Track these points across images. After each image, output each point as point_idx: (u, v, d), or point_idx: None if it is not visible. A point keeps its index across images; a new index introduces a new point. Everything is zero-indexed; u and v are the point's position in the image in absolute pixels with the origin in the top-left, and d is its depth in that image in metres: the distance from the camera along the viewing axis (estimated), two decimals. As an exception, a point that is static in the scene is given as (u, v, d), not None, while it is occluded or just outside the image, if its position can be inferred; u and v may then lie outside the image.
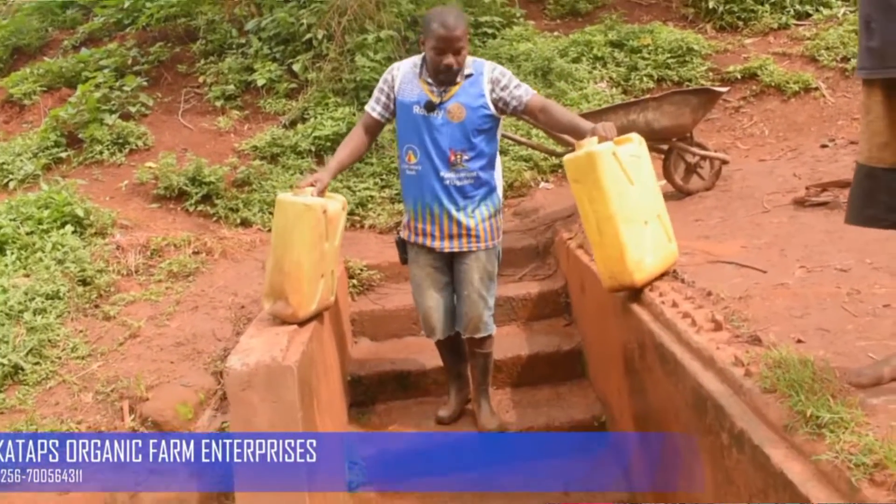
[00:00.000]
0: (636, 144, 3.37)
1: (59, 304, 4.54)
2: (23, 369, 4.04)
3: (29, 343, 4.17)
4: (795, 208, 4.48)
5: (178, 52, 8.17)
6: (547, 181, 6.31)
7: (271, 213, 5.91)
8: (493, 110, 3.55)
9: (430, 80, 3.56)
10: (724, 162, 5.28)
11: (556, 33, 8.13)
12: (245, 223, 5.91)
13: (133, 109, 7.12)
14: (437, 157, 3.55)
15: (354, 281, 5.04)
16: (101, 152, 6.61)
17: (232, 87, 7.43)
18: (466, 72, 3.53)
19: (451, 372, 4.13)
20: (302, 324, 3.53)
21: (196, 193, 6.00)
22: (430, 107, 3.52)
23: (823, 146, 5.95)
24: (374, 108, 3.70)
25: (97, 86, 7.12)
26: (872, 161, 2.20)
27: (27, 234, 5.15)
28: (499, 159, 3.79)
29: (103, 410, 3.80)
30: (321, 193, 3.49)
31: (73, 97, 7.04)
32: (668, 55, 7.33)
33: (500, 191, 3.80)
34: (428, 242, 3.71)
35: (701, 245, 3.98)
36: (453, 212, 3.61)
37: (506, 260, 5.22)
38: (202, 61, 7.92)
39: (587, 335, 4.42)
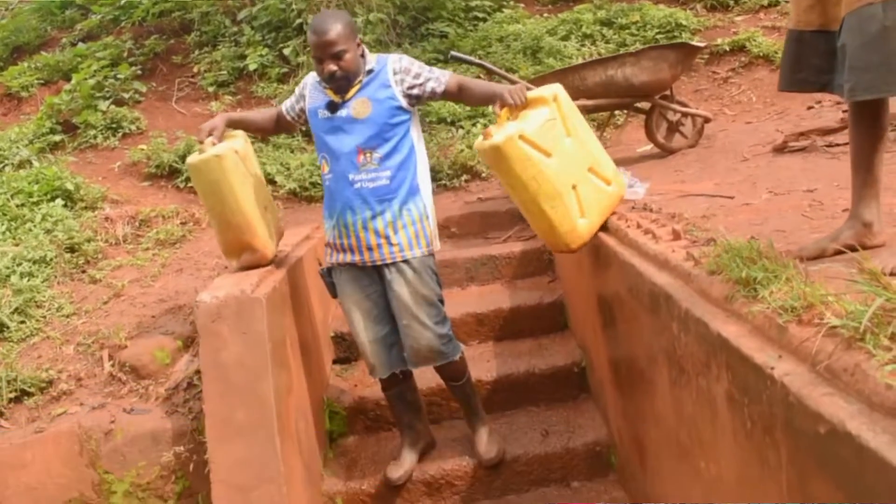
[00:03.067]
0: (550, 107, 3.16)
1: (45, 269, 4.60)
2: (7, 327, 4.09)
3: (14, 303, 4.21)
4: (774, 155, 4.49)
5: (173, 44, 8.29)
6: (534, 151, 6.31)
7: (260, 188, 5.99)
8: (402, 102, 3.26)
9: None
10: (707, 119, 5.29)
11: (545, 15, 8.17)
12: (234, 197, 5.94)
13: (126, 96, 7.22)
14: (345, 158, 3.24)
15: (339, 245, 5.06)
16: (94, 136, 6.71)
17: (225, 73, 7.53)
18: (368, 67, 3.26)
19: (401, 422, 3.70)
20: (275, 266, 3.58)
21: (186, 170, 6.04)
22: (333, 107, 3.26)
23: (810, 108, 5.94)
24: (285, 103, 3.56)
25: (92, 74, 7.21)
26: (801, 25, 2.22)
27: (18, 206, 5.22)
28: (425, 158, 3.44)
29: (84, 360, 3.83)
30: (221, 138, 3.39)
31: (68, 86, 7.15)
32: (657, 31, 7.36)
33: (426, 194, 3.40)
34: (347, 258, 3.34)
35: (675, 187, 3.98)
36: (368, 219, 3.25)
37: (492, 223, 5.31)
38: (196, 52, 8.04)
39: (568, 284, 4.42)
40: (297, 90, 3.50)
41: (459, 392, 3.66)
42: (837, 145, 4.32)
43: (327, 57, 3.15)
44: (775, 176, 3.79)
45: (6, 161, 6.37)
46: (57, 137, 6.73)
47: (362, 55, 3.28)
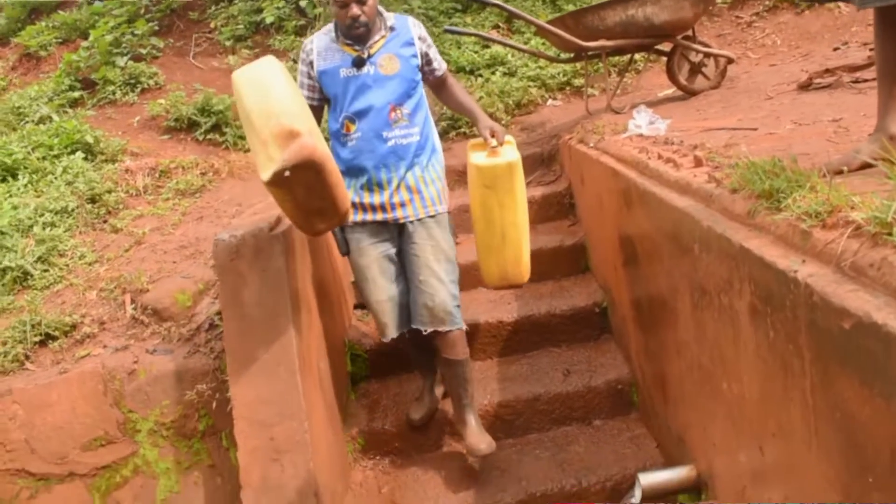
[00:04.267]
0: (515, 149, 3.37)
1: (67, 220, 4.64)
2: (31, 275, 4.14)
3: (38, 252, 4.26)
4: (799, 93, 4.40)
5: (190, 0, 8.23)
6: (555, 98, 6.25)
7: (279, 139, 5.96)
8: (420, 62, 3.27)
9: (349, 41, 3.17)
10: (730, 60, 5.18)
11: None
12: (253, 149, 5.93)
13: (144, 52, 7.19)
14: (377, 116, 3.15)
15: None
16: (113, 92, 6.70)
17: (242, 27, 7.48)
18: (389, 23, 3.21)
19: (418, 363, 3.70)
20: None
21: (205, 123, 6.05)
22: (360, 62, 3.13)
23: (836, 49, 5.82)
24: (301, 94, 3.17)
25: (109, 31, 7.18)
26: None
27: (39, 159, 5.24)
28: (432, 119, 3.42)
29: (106, 305, 3.87)
30: None
31: (85, 43, 7.14)
32: (680, -27, 7.19)
33: (441, 151, 3.43)
34: (378, 217, 3.25)
35: (698, 123, 3.91)
36: (403, 173, 3.20)
37: (511, 168, 5.24)
38: (213, 7, 8.01)
39: (589, 226, 4.38)
40: (300, 67, 3.26)
41: (457, 371, 3.41)
42: (865, 81, 4.23)
43: (353, 0, 3.06)
44: (800, 111, 3.72)
45: (27, 118, 6.38)
46: (76, 94, 6.72)
47: (378, 12, 3.22)
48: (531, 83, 6.23)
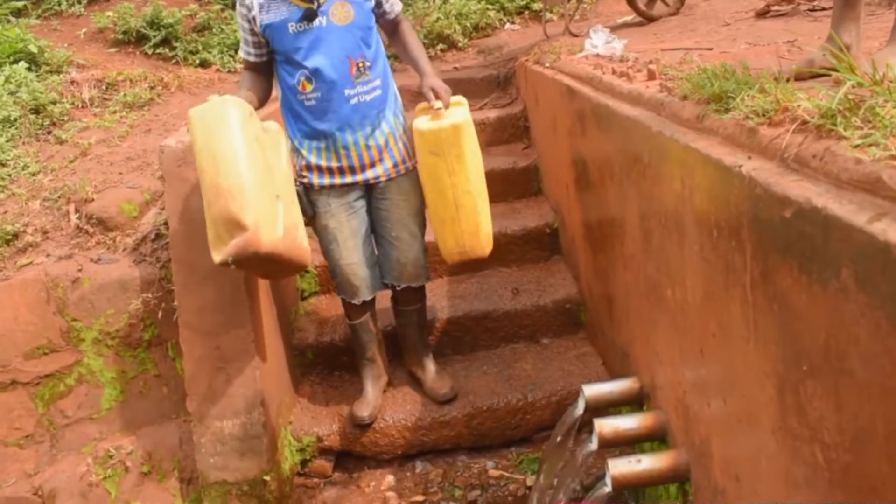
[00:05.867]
0: (466, 108, 3.11)
1: (10, 130, 4.50)
2: (-30, 184, 4.01)
3: (-23, 161, 4.13)
4: (756, 19, 4.40)
5: (141, -89, 7.93)
6: (513, 22, 6.19)
7: (232, 56, 5.83)
8: (372, 4, 3.00)
9: None
10: (690, -13, 5.16)
11: None
12: (204, 64, 5.80)
13: (91, -38, 6.93)
14: (337, 72, 2.90)
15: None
16: (59, 3, 6.49)
17: (195, -62, 7.23)
18: None
19: (366, 354, 3.41)
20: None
21: (155, 36, 5.88)
22: (311, 16, 2.85)
23: (795, -19, 5.82)
24: (248, 53, 3.02)
25: (54, -61, 6.90)
26: None
27: (-22, 68, 5.06)
28: (388, 64, 3.19)
29: (50, 214, 3.77)
30: None
31: (29, -50, 6.86)
32: None
33: (400, 100, 3.22)
34: (347, 179, 3.06)
35: (654, 46, 3.90)
36: (369, 135, 3.02)
37: (466, 90, 5.15)
38: (165, -82, 7.71)
39: (542, 147, 4.38)
40: (241, 22, 2.98)
41: (414, 319, 3.41)
42: (823, 9, 4.23)
43: None
44: (755, 34, 3.72)
45: (-33, 28, 6.13)
46: (19, 4, 6.47)
47: None
48: (490, 6, 6.16)
